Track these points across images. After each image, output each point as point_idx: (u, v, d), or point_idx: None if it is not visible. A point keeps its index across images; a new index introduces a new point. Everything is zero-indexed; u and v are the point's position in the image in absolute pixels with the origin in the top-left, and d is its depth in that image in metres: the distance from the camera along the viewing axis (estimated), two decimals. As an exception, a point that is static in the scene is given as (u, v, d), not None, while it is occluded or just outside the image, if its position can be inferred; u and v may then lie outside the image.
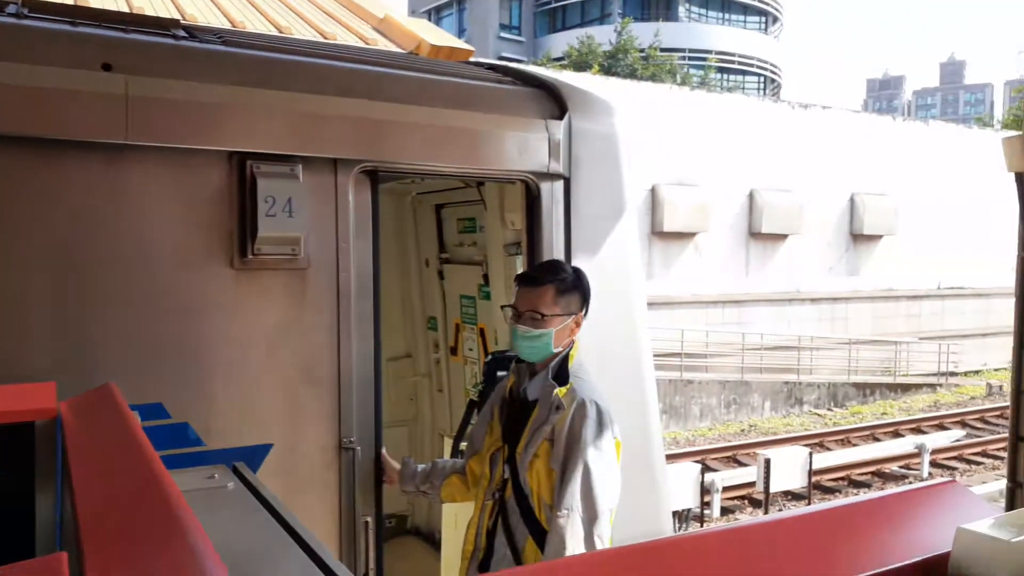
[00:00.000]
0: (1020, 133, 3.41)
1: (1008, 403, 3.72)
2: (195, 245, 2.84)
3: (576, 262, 3.51)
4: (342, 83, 3.14)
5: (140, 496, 1.17)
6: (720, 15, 52.67)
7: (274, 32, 8.75)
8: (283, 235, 2.89)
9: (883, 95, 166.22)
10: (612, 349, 3.67)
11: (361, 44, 10.12)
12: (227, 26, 6.82)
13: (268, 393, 2.93)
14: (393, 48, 9.43)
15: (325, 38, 9.30)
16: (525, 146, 3.42)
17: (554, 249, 3.50)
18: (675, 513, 11.05)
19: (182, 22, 3.46)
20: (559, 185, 3.51)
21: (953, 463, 15.25)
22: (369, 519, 3.11)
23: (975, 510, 1.20)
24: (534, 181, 3.46)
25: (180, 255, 2.82)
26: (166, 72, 2.80)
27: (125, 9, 5.92)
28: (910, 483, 14.10)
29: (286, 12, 11.02)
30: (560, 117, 3.52)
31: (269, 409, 2.93)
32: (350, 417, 3.03)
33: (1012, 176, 3.48)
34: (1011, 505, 3.61)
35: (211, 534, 1.27)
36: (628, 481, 3.55)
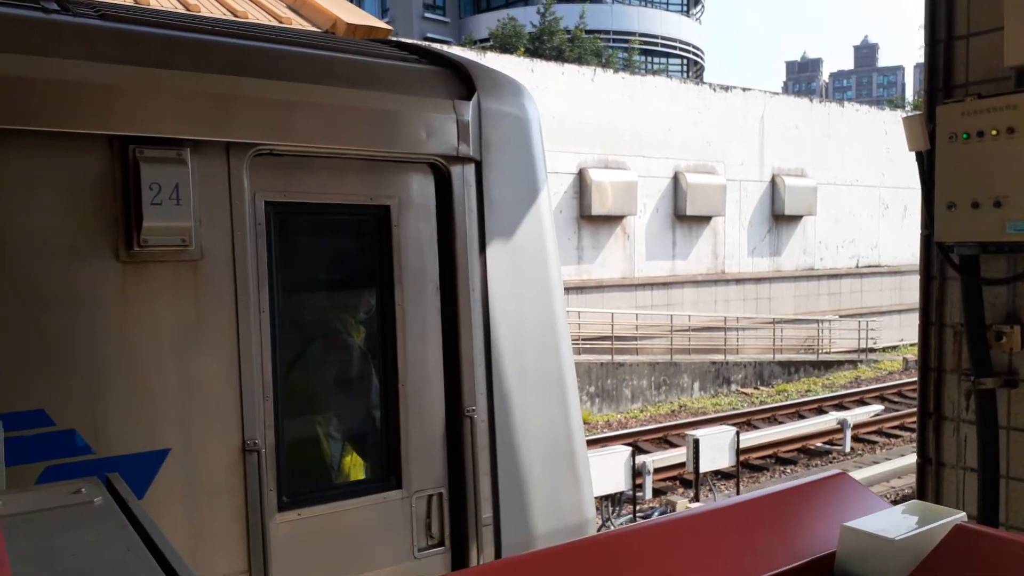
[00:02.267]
0: (919, 112, 3.45)
1: (918, 379, 3.80)
2: (77, 237, 2.64)
3: (491, 248, 3.43)
4: (234, 61, 2.96)
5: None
6: (643, -3, 53.16)
7: (181, 11, 8.37)
8: (171, 224, 2.71)
9: (802, 77, 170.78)
10: (531, 333, 3.59)
11: (273, 23, 9.77)
12: (130, 3, 6.48)
13: (163, 394, 2.76)
14: (308, 27, 9.16)
15: (236, 16, 8.95)
16: (432, 127, 3.29)
17: (467, 234, 3.38)
18: (608, 497, 11.15)
19: None
20: (470, 168, 3.39)
21: (873, 437, 15.80)
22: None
23: (863, 503, 1.17)
24: (444, 164, 3.34)
25: (60, 248, 2.62)
26: (34, 49, 2.58)
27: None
28: (833, 459, 14.55)
29: (196, -9, 10.51)
30: (468, 98, 3.40)
31: (165, 412, 2.76)
32: (253, 417, 2.88)
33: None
34: (921, 481, 3.68)
35: (57, 558, 1.13)
36: (550, 470, 3.57)
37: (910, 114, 3.40)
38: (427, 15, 50.77)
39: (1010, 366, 3.36)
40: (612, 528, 10.67)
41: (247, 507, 2.86)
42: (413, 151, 3.27)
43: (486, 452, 3.37)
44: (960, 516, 1.13)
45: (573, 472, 3.67)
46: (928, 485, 3.64)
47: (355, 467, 3.34)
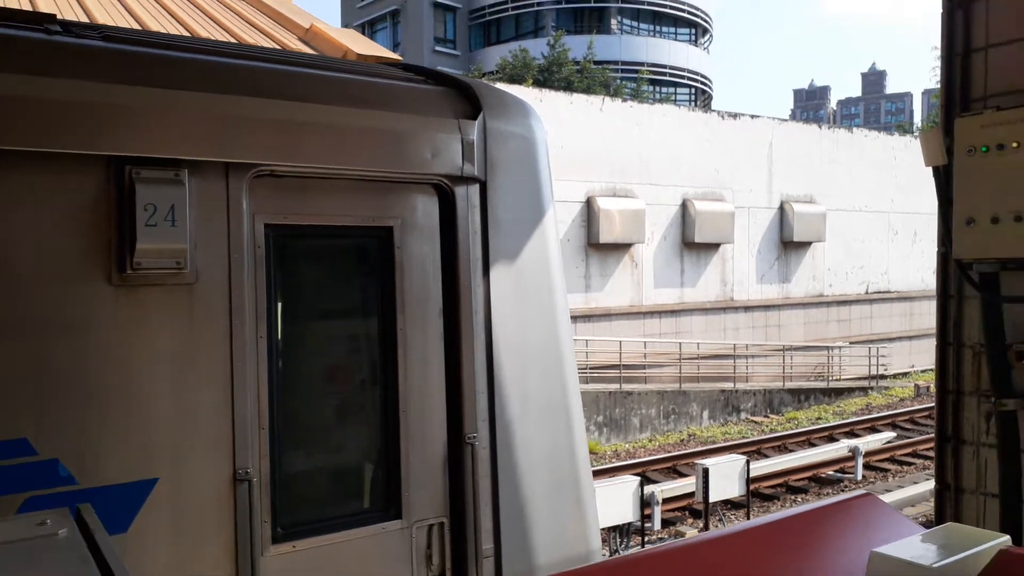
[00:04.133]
0: (936, 126, 3.36)
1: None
2: (69, 259, 2.57)
3: (495, 271, 3.34)
4: (234, 81, 2.91)
5: None
6: (651, 27, 53.56)
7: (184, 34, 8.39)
8: (165, 246, 2.64)
9: (810, 105, 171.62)
10: (535, 358, 3.49)
11: (280, 53, 9.77)
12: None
13: (152, 422, 2.67)
14: (314, 56, 9.17)
15: (244, 47, 8.97)
16: (437, 147, 3.22)
17: (471, 256, 3.30)
18: (616, 528, 10.93)
19: (59, 18, 3.20)
20: (474, 189, 3.32)
21: (885, 464, 15.54)
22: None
23: (891, 526, 1.07)
24: (448, 184, 3.26)
25: (52, 270, 2.55)
26: (36, 69, 2.53)
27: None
28: (845, 487, 14.30)
29: (207, 22, 10.66)
30: (473, 117, 3.33)
31: (153, 440, 2.67)
32: (245, 445, 2.79)
33: (931, 171, 3.43)
34: (940, 508, 3.54)
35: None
36: (554, 500, 3.46)
37: (927, 128, 3.31)
38: (438, 48, 51.28)
39: (1033, 387, 3.25)
40: (621, 558, 10.46)
41: (237, 538, 2.77)
42: (417, 171, 3.20)
43: (487, 481, 3.27)
44: (1004, 540, 1.02)
45: (578, 501, 3.55)
46: (947, 512, 3.51)
47: (353, 497, 3.24)
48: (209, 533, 2.74)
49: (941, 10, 3.43)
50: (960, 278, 3.38)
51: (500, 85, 22.56)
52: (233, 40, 9.10)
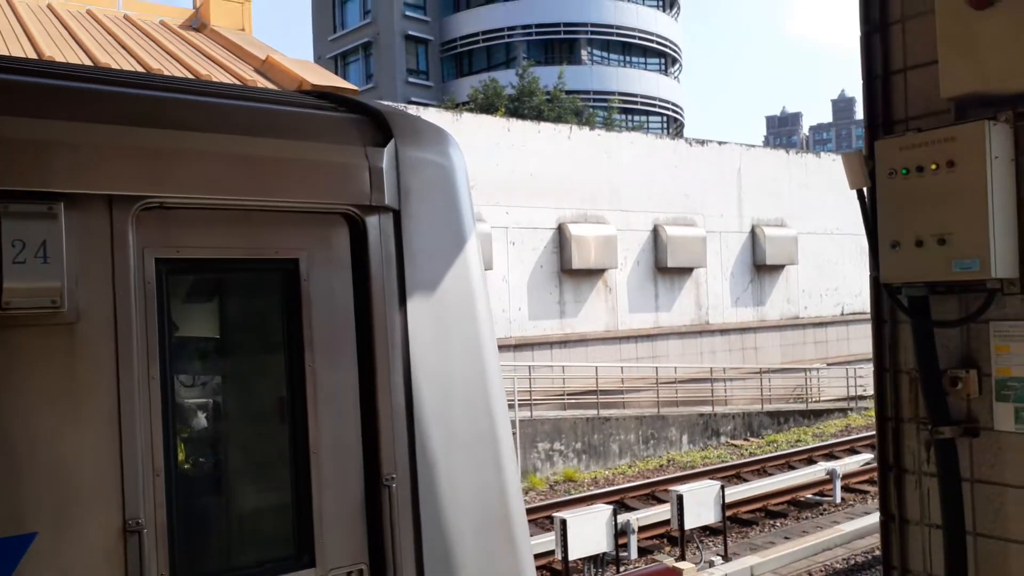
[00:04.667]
0: (858, 149, 3.32)
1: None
2: None
3: (412, 302, 3.19)
4: (116, 109, 2.76)
5: None
6: (621, 57, 54.17)
7: (75, 62, 8.29)
8: (36, 285, 2.47)
9: (782, 131, 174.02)
10: (459, 391, 3.34)
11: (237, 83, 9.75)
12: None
13: (28, 473, 2.48)
14: (272, 87, 9.11)
15: (200, 79, 8.90)
16: (344, 176, 3.06)
17: (386, 287, 3.14)
18: (590, 559, 10.76)
19: None
20: (387, 218, 3.16)
21: (864, 487, 15.46)
22: None
23: None
24: (358, 214, 3.10)
25: None
26: None
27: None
28: (824, 511, 14.20)
29: (159, 53, 10.56)
30: (383, 144, 3.19)
31: (30, 492, 2.48)
32: (136, 494, 2.60)
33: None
34: (885, 539, 3.44)
35: None
36: (483, 538, 3.30)
37: (849, 152, 3.27)
38: (411, 80, 51.53)
39: (969, 413, 3.16)
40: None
41: None
42: (322, 200, 3.04)
43: (409, 522, 3.11)
44: None
45: (509, 539, 3.40)
46: (893, 544, 3.40)
47: (262, 545, 3.07)
48: None
49: (859, 32, 3.41)
50: (892, 302, 3.31)
51: (468, 115, 22.64)
52: (185, 71, 9.02)
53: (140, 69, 8.42)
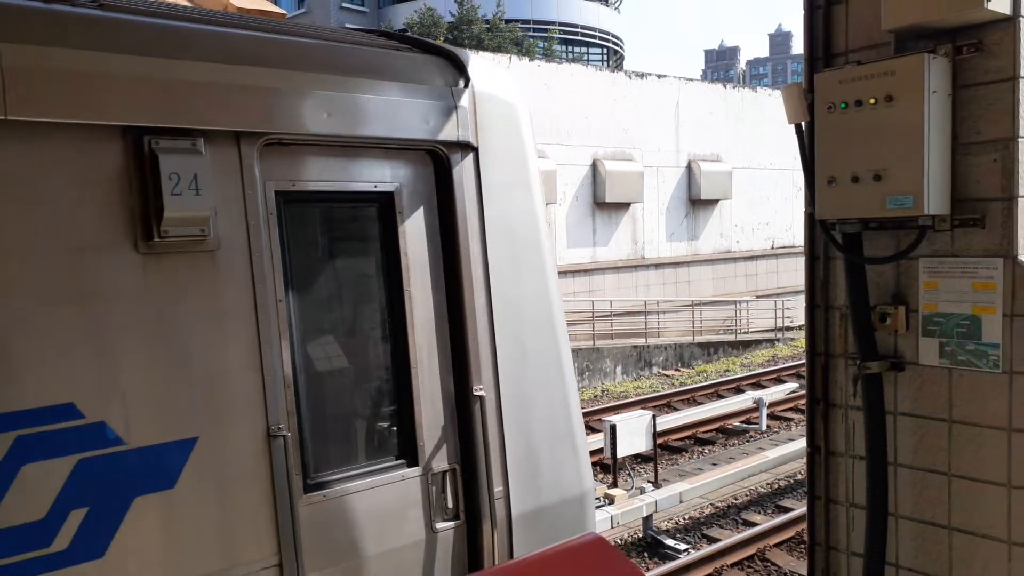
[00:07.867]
0: (797, 82, 3.27)
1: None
2: (93, 229, 2.63)
3: (490, 232, 3.50)
4: (241, 51, 2.95)
5: None
6: (561, -14, 53.11)
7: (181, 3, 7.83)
8: (191, 214, 2.72)
9: (720, 65, 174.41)
10: (530, 316, 3.69)
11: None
12: None
13: (189, 385, 2.79)
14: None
15: None
16: (432, 114, 3.34)
17: (468, 219, 3.43)
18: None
19: None
20: (468, 155, 3.47)
21: (789, 414, 16.04)
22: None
23: (617, 570, 0.95)
24: (444, 152, 3.39)
25: (78, 240, 2.60)
26: (44, 40, 2.53)
27: None
28: (751, 438, 14.70)
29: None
30: (464, 85, 3.47)
31: (191, 401, 2.79)
32: (276, 403, 2.93)
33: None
34: (811, 470, 3.53)
35: None
36: (552, 445, 3.74)
37: (789, 85, 3.22)
38: (345, 4, 49.64)
39: (896, 349, 3.22)
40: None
41: (275, 491, 2.93)
42: (414, 138, 3.30)
43: (496, 429, 3.49)
44: None
45: (573, 447, 3.80)
46: (818, 474, 3.49)
47: (373, 449, 3.40)
48: (247, 488, 2.88)
49: (802, -40, 3.33)
50: (826, 239, 3.32)
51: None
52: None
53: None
